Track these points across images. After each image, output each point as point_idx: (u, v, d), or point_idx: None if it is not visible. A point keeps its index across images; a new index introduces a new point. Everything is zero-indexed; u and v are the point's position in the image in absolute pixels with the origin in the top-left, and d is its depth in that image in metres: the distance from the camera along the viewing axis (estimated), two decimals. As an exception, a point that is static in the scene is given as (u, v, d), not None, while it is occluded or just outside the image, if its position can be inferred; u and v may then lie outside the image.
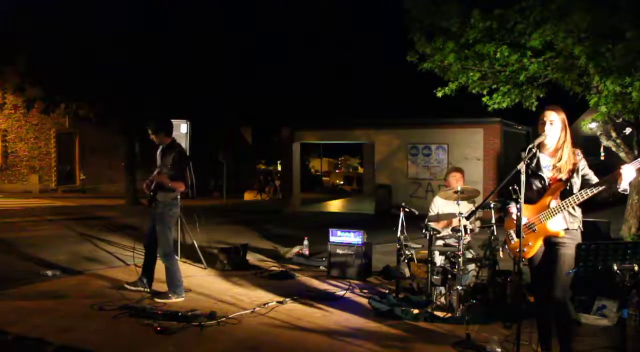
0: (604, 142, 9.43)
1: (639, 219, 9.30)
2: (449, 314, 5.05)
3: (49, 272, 6.62)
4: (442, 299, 5.34)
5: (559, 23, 7.32)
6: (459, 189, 5.57)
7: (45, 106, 17.30)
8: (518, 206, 3.58)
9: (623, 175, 3.34)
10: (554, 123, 3.70)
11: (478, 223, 5.98)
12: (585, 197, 3.54)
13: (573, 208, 3.63)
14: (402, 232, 5.87)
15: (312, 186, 29.25)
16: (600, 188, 3.49)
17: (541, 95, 8.79)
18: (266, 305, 5.47)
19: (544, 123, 3.72)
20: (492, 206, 5.48)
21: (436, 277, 5.46)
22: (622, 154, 9.13)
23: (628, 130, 9.88)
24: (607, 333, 4.63)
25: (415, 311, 5.19)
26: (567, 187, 3.63)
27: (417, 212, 6.04)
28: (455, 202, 5.60)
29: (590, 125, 9.58)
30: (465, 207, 5.79)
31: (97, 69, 15.17)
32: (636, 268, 3.04)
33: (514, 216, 3.79)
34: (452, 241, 5.82)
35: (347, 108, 23.14)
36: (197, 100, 17.85)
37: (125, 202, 16.30)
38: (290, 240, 9.40)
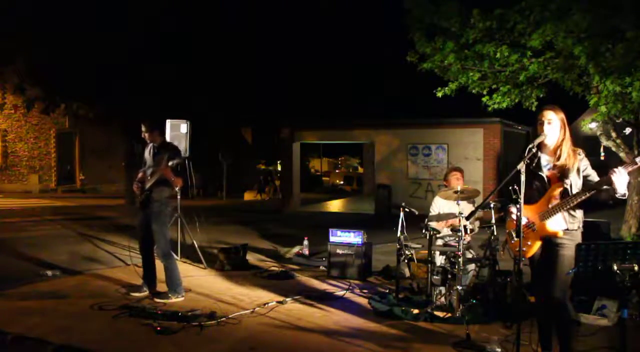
0: (604, 142, 9.43)
1: (639, 219, 9.30)
2: (449, 314, 5.05)
3: (49, 272, 6.62)
4: (442, 299, 5.33)
5: (559, 23, 7.32)
6: (458, 189, 5.56)
7: (45, 106, 17.31)
8: (518, 206, 3.58)
9: (615, 181, 3.32)
10: (552, 122, 3.70)
11: (478, 223, 5.98)
12: (578, 200, 3.54)
13: (572, 209, 3.63)
14: (402, 232, 5.87)
15: (312, 186, 29.24)
16: (591, 193, 3.49)
17: (541, 95, 8.79)
18: (266, 305, 5.47)
19: (542, 123, 3.72)
20: (492, 206, 5.48)
21: (436, 277, 5.46)
22: (622, 154, 9.13)
23: (628, 130, 9.88)
24: (607, 333, 4.62)
25: (415, 311, 5.19)
26: (568, 187, 3.63)
27: (417, 212, 6.04)
28: (455, 202, 5.60)
29: (590, 125, 9.59)
30: (465, 207, 5.79)
31: (98, 69, 15.17)
32: (636, 268, 3.04)
33: (514, 216, 3.79)
34: (452, 241, 5.82)
35: (347, 108, 23.16)
36: (197, 100, 17.85)
37: (125, 202, 16.31)
38: (290, 240, 9.40)
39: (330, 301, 5.75)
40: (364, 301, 5.76)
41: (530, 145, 3.62)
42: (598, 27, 7.18)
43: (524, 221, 3.65)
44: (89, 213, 13.32)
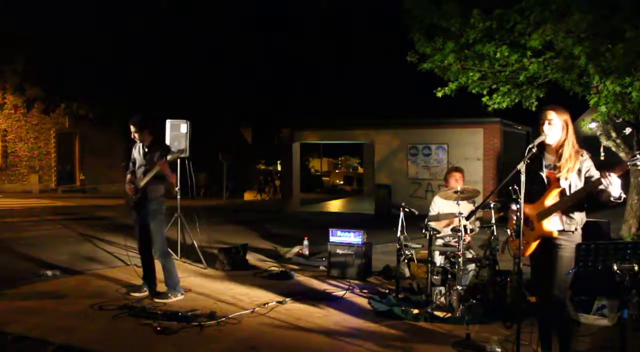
0: (604, 142, 9.43)
1: (639, 219, 9.30)
2: (449, 314, 5.05)
3: (49, 272, 6.62)
4: (442, 299, 5.33)
5: (559, 23, 7.32)
6: (458, 189, 5.56)
7: (45, 106, 17.33)
8: (518, 206, 3.58)
9: (606, 186, 3.32)
10: (553, 123, 3.69)
11: (478, 223, 5.98)
12: (572, 202, 3.54)
13: (570, 211, 3.62)
14: (402, 232, 5.87)
15: (312, 186, 29.23)
16: (582, 196, 3.50)
17: (541, 95, 8.79)
18: (266, 305, 5.47)
19: (542, 123, 3.72)
20: (492, 205, 5.48)
21: (436, 277, 5.46)
22: (622, 154, 9.13)
23: (628, 130, 9.88)
24: (607, 333, 4.62)
25: (415, 311, 5.19)
26: (566, 188, 3.62)
27: (417, 212, 6.04)
28: (455, 202, 5.60)
29: (590, 125, 9.59)
30: (465, 207, 5.78)
31: (98, 69, 15.19)
32: (636, 268, 3.04)
33: (514, 216, 3.79)
34: (452, 241, 5.81)
35: (347, 108, 23.15)
36: (197, 100, 17.86)
37: (125, 202, 16.27)
38: (290, 240, 9.40)
39: (330, 301, 5.75)
40: (364, 301, 5.76)
41: (530, 145, 3.62)
42: (598, 27, 7.17)
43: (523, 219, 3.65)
44: (89, 213, 13.32)
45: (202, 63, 18.05)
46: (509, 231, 3.95)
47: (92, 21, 15.13)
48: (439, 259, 5.69)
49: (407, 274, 6.54)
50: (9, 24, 15.39)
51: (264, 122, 24.74)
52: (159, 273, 5.86)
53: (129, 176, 5.85)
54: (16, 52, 16.07)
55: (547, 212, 3.62)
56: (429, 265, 5.56)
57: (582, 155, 3.64)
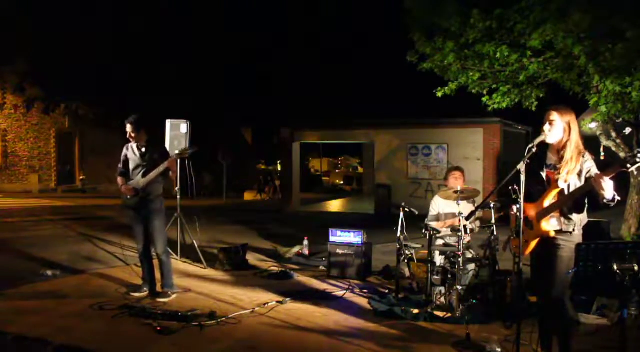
0: (604, 142, 9.43)
1: (639, 219, 9.30)
2: (449, 314, 5.05)
3: (49, 272, 6.61)
4: (442, 299, 5.34)
5: (559, 23, 7.32)
6: (458, 189, 5.56)
7: (45, 106, 17.33)
8: (518, 206, 3.59)
9: (598, 188, 3.31)
10: (554, 123, 3.68)
11: (478, 223, 5.98)
12: (567, 203, 3.55)
13: (569, 211, 3.62)
14: (402, 232, 5.87)
15: (312, 186, 29.22)
16: (578, 194, 3.50)
17: (541, 95, 8.79)
18: (266, 305, 5.47)
19: (544, 122, 3.72)
20: (492, 205, 5.48)
21: (436, 277, 5.46)
22: (622, 154, 9.13)
23: (628, 130, 9.88)
24: (607, 333, 4.62)
25: (415, 311, 5.19)
26: (566, 188, 3.62)
27: (417, 212, 6.04)
28: (455, 202, 5.60)
29: (590, 125, 9.59)
30: (465, 207, 5.78)
31: (98, 69, 15.20)
32: (636, 268, 3.04)
33: (514, 216, 3.80)
34: (452, 241, 5.81)
35: (347, 108, 23.17)
36: (197, 100, 17.87)
37: (121, 202, 16.26)
38: (290, 240, 9.40)
39: (330, 301, 5.75)
40: (364, 301, 5.76)
41: (530, 145, 3.61)
42: (598, 27, 7.17)
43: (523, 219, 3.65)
44: (89, 213, 13.31)
45: (202, 63, 18.05)
46: (511, 229, 3.95)
47: (92, 21, 15.14)
48: (439, 259, 5.69)
49: (407, 274, 6.54)
50: (9, 24, 15.39)
51: (264, 122, 24.74)
52: (159, 274, 5.87)
53: (120, 178, 5.81)
54: (16, 52, 16.07)
55: (546, 213, 3.62)
56: (429, 265, 5.56)
57: (583, 156, 3.63)
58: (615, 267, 3.05)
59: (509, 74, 8.54)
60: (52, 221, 11.54)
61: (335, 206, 20.58)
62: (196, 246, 7.58)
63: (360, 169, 34.08)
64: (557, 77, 8.17)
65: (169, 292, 5.65)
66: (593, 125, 9.56)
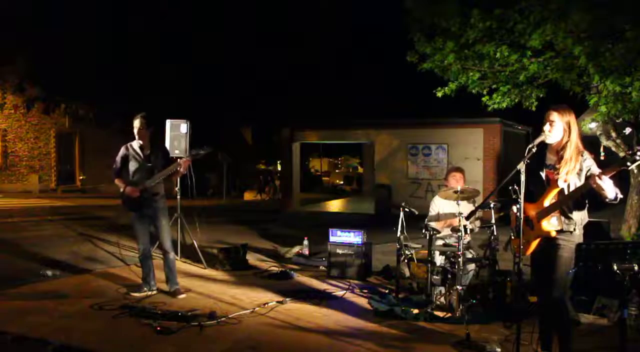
0: (604, 142, 9.43)
1: (639, 219, 9.30)
2: (449, 314, 5.05)
3: (49, 272, 6.62)
4: (442, 299, 5.34)
5: (559, 23, 7.32)
6: (458, 189, 5.56)
7: (45, 106, 17.32)
8: (518, 206, 3.59)
9: (599, 186, 3.31)
10: (554, 124, 3.68)
11: (478, 223, 5.98)
12: (568, 202, 3.54)
13: (569, 211, 3.62)
14: (402, 232, 5.87)
15: (312, 186, 29.21)
16: (578, 193, 3.50)
17: (541, 95, 8.78)
18: (266, 305, 5.47)
19: (544, 122, 3.72)
20: (492, 205, 5.48)
21: (436, 277, 5.46)
22: (622, 154, 9.13)
23: (628, 130, 9.88)
24: (607, 333, 4.62)
25: (415, 311, 5.19)
26: (566, 188, 3.62)
27: (417, 212, 6.04)
28: (455, 202, 5.60)
29: (590, 125, 9.58)
30: (465, 207, 5.78)
31: (98, 69, 15.19)
32: (636, 268, 3.04)
33: (515, 216, 3.80)
34: (452, 241, 5.81)
35: (347, 108, 23.16)
36: (197, 100, 17.87)
37: (122, 202, 16.25)
38: (290, 240, 9.40)
39: (330, 301, 5.75)
40: (364, 301, 5.76)
41: (530, 145, 3.62)
42: (598, 27, 7.17)
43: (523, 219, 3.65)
44: (89, 213, 13.31)
45: (202, 63, 18.05)
46: (511, 229, 3.95)
47: (92, 21, 15.14)
48: (439, 259, 5.69)
49: (407, 274, 6.54)
50: (10, 24, 15.39)
51: (264, 122, 24.73)
52: (160, 273, 5.88)
53: (120, 180, 5.77)
54: (16, 52, 16.07)
55: (546, 212, 3.62)
56: (429, 265, 5.56)
57: (582, 155, 3.64)
58: (615, 267, 3.06)
59: (509, 74, 8.53)
60: (52, 221, 11.54)
61: (335, 206, 20.57)
62: (196, 246, 7.58)
63: (360, 169, 34.04)
64: (557, 77, 8.17)
65: (181, 289, 5.74)
66: (593, 125, 9.56)
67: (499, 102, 8.81)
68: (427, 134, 16.19)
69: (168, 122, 7.94)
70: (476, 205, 5.51)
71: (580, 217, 3.67)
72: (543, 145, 3.75)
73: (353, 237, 6.96)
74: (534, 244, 3.71)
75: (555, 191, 3.63)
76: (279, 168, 23.44)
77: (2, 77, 18.19)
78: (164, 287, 5.87)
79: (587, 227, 3.76)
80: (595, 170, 3.58)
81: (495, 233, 5.46)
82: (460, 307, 5.04)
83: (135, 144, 5.78)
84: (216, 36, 18.11)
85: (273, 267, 7.47)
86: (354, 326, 4.94)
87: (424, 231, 5.72)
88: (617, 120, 9.18)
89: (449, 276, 5.35)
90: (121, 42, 15.26)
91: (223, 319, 4.91)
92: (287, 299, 5.71)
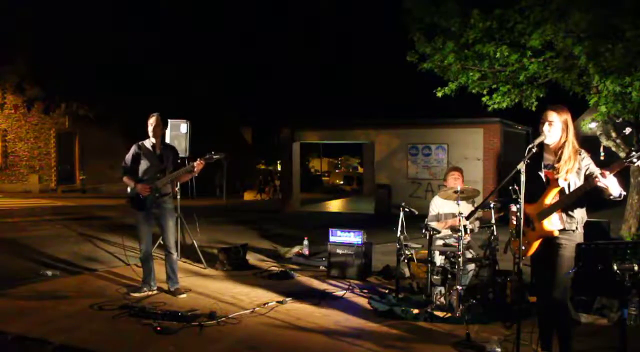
0: (604, 142, 9.43)
1: (639, 219, 9.30)
2: (449, 314, 5.05)
3: (49, 272, 6.61)
4: (442, 299, 5.33)
5: (559, 23, 7.32)
6: (458, 188, 5.56)
7: (45, 106, 17.33)
8: (518, 206, 3.58)
9: (603, 184, 3.32)
10: (553, 124, 3.69)
11: (478, 223, 5.97)
12: (571, 201, 3.54)
13: (570, 209, 3.62)
14: (402, 232, 5.87)
15: (312, 186, 29.24)
16: (582, 192, 3.50)
17: (541, 95, 8.79)
18: (266, 305, 5.46)
19: (543, 123, 3.72)
20: (492, 205, 5.48)
21: (436, 277, 5.46)
22: (622, 154, 9.13)
23: (628, 130, 9.87)
24: (607, 333, 4.62)
25: (415, 311, 5.19)
26: (567, 187, 3.62)
27: (417, 212, 6.03)
28: (455, 202, 5.59)
29: (590, 125, 9.58)
30: (465, 207, 5.78)
31: (98, 69, 15.19)
32: (636, 268, 3.04)
33: (514, 216, 3.80)
34: (452, 241, 5.81)
35: (347, 108, 23.18)
36: (197, 100, 17.87)
37: (125, 202, 16.27)
38: (290, 240, 9.40)
39: (330, 301, 5.75)
40: (364, 301, 5.76)
41: (530, 145, 3.62)
42: (598, 27, 7.17)
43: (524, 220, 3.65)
44: (89, 213, 13.31)
45: (202, 63, 18.04)
46: (511, 231, 3.95)
47: (92, 21, 15.13)
48: (439, 259, 5.69)
49: (407, 274, 6.54)
50: (9, 24, 15.38)
51: (264, 122, 24.73)
52: (160, 273, 5.87)
53: (129, 177, 5.73)
54: (16, 52, 16.07)
55: (548, 212, 3.61)
56: (429, 265, 5.56)
57: (580, 154, 3.65)
58: (615, 267, 3.06)
59: (509, 74, 8.54)
60: (52, 221, 11.54)
61: (335, 206, 20.57)
62: (196, 246, 7.58)
63: (360, 169, 34.09)
64: (557, 77, 8.18)
65: (182, 289, 5.76)
66: (593, 125, 9.56)
67: (499, 102, 8.82)
68: (427, 134, 16.19)
69: (168, 122, 7.94)
70: (476, 205, 5.51)
71: (581, 215, 3.68)
72: (537, 146, 3.75)
73: (353, 237, 6.95)
74: (535, 245, 3.70)
75: (555, 190, 3.63)
76: (279, 168, 23.43)
77: (2, 77, 18.19)
78: (164, 287, 5.87)
79: (587, 227, 3.76)
80: (594, 168, 3.60)
81: (495, 233, 5.45)
82: (460, 307, 5.04)
83: (148, 142, 5.76)
84: (216, 36, 18.11)
85: (273, 267, 7.47)
86: (354, 326, 4.94)
87: (424, 230, 5.71)
88: (617, 120, 9.19)
89: (449, 276, 5.35)
90: (121, 42, 15.25)
91: (223, 319, 4.91)
92: (287, 299, 5.71)
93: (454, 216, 5.76)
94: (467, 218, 5.18)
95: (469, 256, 5.68)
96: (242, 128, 29.13)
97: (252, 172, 28.72)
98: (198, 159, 5.55)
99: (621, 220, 9.52)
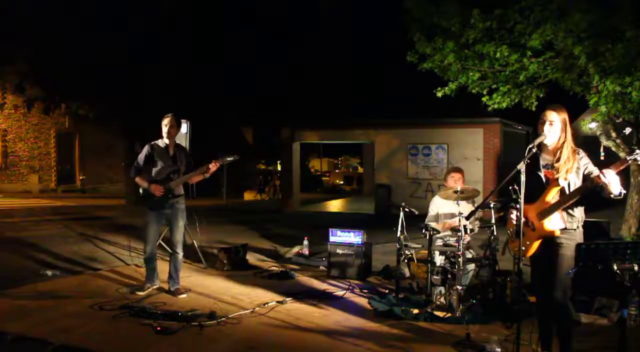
0: (604, 142, 9.42)
1: (639, 219, 9.29)
2: (449, 314, 5.05)
3: (49, 272, 6.61)
4: (442, 299, 5.34)
5: (559, 23, 7.32)
6: (458, 189, 5.56)
7: (45, 106, 17.31)
8: (518, 206, 3.59)
9: (605, 182, 3.32)
10: (554, 124, 3.69)
11: (478, 223, 5.98)
12: (572, 200, 3.54)
13: (571, 208, 3.63)
14: (402, 232, 5.87)
15: (312, 186, 29.23)
16: (582, 192, 3.50)
17: (541, 95, 8.79)
18: (266, 305, 5.47)
19: (543, 123, 3.72)
20: (492, 205, 5.48)
21: (436, 277, 5.46)
22: (622, 154, 9.12)
23: (628, 130, 9.88)
24: (607, 333, 4.63)
25: (415, 311, 5.19)
26: (566, 187, 3.63)
27: (417, 212, 6.04)
28: (455, 202, 5.60)
29: (590, 125, 9.58)
30: (465, 207, 5.79)
31: (98, 69, 15.17)
32: (636, 268, 3.04)
33: (514, 216, 3.79)
34: (452, 241, 5.82)
35: (347, 108, 23.16)
36: (197, 100, 17.85)
37: (125, 202, 16.30)
38: (290, 240, 9.40)
39: (330, 301, 5.75)
40: (364, 301, 5.76)
41: (531, 145, 3.62)
42: (598, 27, 7.17)
43: (523, 220, 3.65)
44: (89, 213, 13.31)
45: (202, 63, 18.02)
46: (509, 231, 3.95)
47: (92, 21, 15.11)
48: (439, 259, 5.69)
49: (407, 274, 6.55)
50: (9, 24, 15.35)
51: (264, 122, 24.71)
52: (161, 273, 5.88)
53: (142, 178, 5.70)
54: (16, 52, 16.04)
55: (548, 211, 3.62)
56: (429, 265, 5.56)
57: (578, 154, 3.66)
58: (615, 267, 3.06)
59: (509, 74, 8.53)
60: (52, 221, 11.54)
61: (335, 206, 20.57)
62: (196, 245, 7.58)
63: (360, 169, 34.07)
64: (557, 77, 8.17)
65: (182, 289, 5.77)
66: (593, 125, 9.56)
67: (499, 102, 8.81)
68: (427, 134, 16.20)
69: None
70: (476, 205, 5.51)
71: (581, 214, 3.69)
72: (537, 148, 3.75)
73: (353, 237, 6.96)
74: (535, 246, 3.70)
75: (555, 190, 3.63)
76: (279, 168, 23.43)
77: (2, 77, 18.16)
78: (164, 286, 5.87)
79: (587, 227, 3.76)
80: (592, 167, 3.62)
81: (495, 233, 5.46)
82: (460, 307, 5.04)
83: (161, 143, 5.75)
84: (216, 36, 18.08)
85: (273, 267, 7.47)
86: (354, 326, 4.94)
87: (424, 230, 5.72)
88: (617, 120, 9.19)
89: (449, 276, 5.35)
90: (121, 42, 15.23)
91: (223, 319, 4.91)
92: (287, 299, 5.71)
93: (453, 215, 5.76)
94: (467, 218, 5.18)
95: (469, 256, 5.69)
96: (242, 128, 29.11)
97: (252, 172, 28.69)
98: (213, 161, 5.53)
99: (621, 220, 9.51)
